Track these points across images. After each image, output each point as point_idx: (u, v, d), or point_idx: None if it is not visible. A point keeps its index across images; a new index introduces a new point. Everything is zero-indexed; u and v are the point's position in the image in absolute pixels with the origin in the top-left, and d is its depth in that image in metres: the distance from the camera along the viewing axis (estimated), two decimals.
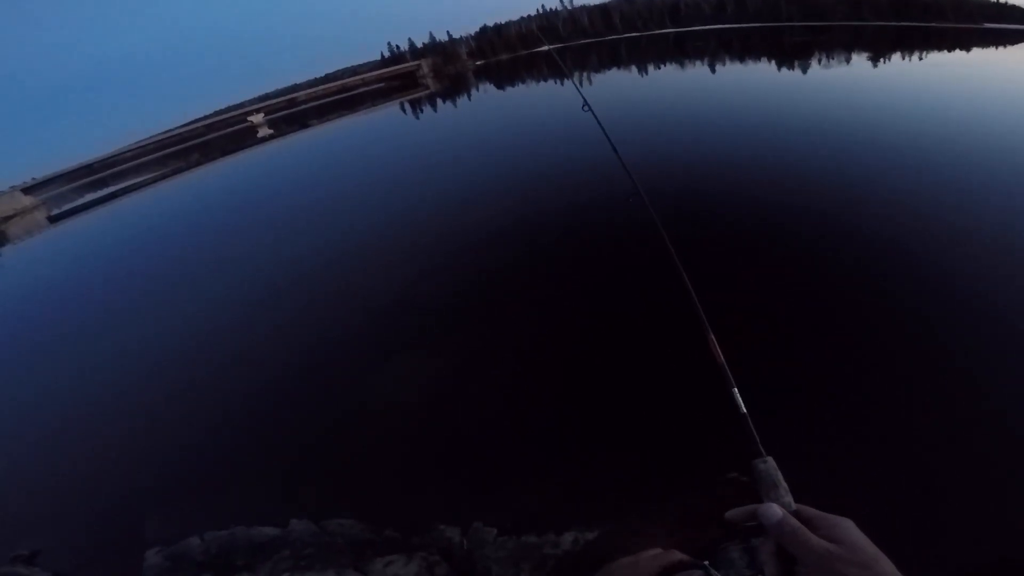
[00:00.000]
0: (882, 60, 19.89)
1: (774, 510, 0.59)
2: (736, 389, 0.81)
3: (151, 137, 70.76)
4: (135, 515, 4.10)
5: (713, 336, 0.95)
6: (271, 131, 52.89)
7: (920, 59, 19.37)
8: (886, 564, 0.51)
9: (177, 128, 77.29)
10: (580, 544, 3.17)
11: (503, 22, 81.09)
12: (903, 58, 19.94)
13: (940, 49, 21.01)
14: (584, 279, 6.41)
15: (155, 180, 37.11)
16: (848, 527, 0.55)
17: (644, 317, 5.23)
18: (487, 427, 4.37)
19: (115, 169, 63.09)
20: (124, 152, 66.89)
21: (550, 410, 4.41)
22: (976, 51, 20.18)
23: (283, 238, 11.39)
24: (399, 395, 4.94)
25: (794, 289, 5.42)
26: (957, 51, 20.49)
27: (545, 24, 76.23)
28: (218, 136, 66.31)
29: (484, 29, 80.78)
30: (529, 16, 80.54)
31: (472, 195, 10.89)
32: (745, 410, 0.77)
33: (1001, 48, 20.01)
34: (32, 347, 9.06)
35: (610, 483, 3.58)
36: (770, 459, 0.68)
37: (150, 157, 66.12)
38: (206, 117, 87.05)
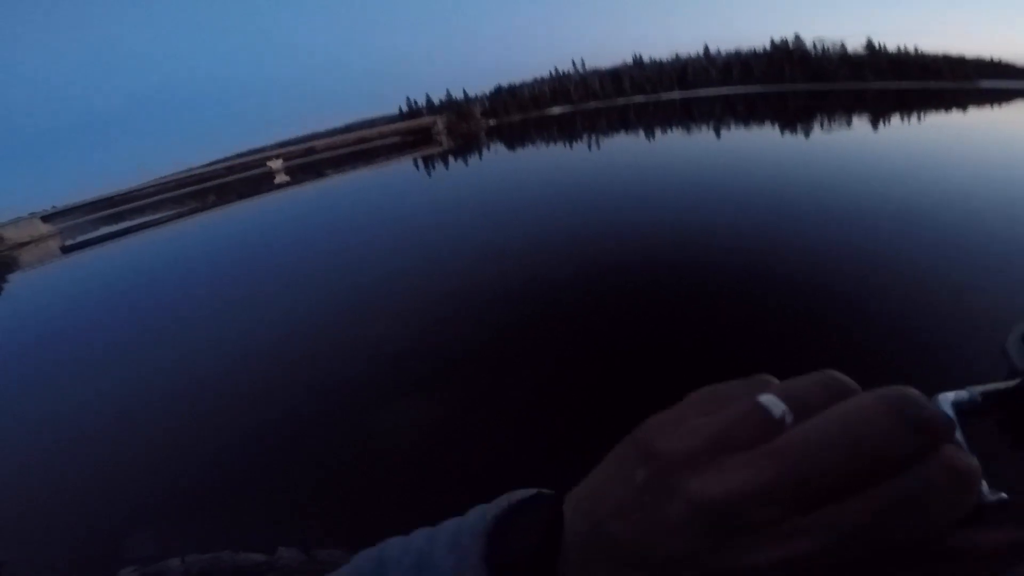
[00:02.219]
0: (882, 123, 20.61)
1: None
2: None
3: (172, 175, 73.01)
4: (114, 533, 3.90)
5: None
6: (288, 178, 54.39)
7: (919, 120, 20.02)
8: None
9: (198, 168, 79.97)
10: None
11: (517, 83, 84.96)
12: (903, 120, 20.61)
13: (938, 109, 21.76)
14: (585, 340, 6.32)
15: (170, 219, 37.95)
16: None
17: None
18: (483, 466, 4.21)
19: (134, 204, 64.77)
20: (145, 187, 69.01)
21: (546, 451, 4.26)
22: (972, 111, 20.78)
23: (292, 284, 11.40)
24: (397, 432, 4.82)
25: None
26: (954, 111, 21.19)
27: (557, 87, 79.92)
28: (236, 179, 68.32)
29: (499, 90, 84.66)
30: (542, 78, 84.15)
31: (480, 253, 10.90)
32: None
33: (996, 107, 20.59)
34: (32, 370, 8.98)
35: None
36: None
37: (169, 195, 68.05)
38: (227, 159, 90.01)
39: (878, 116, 21.87)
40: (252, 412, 5.89)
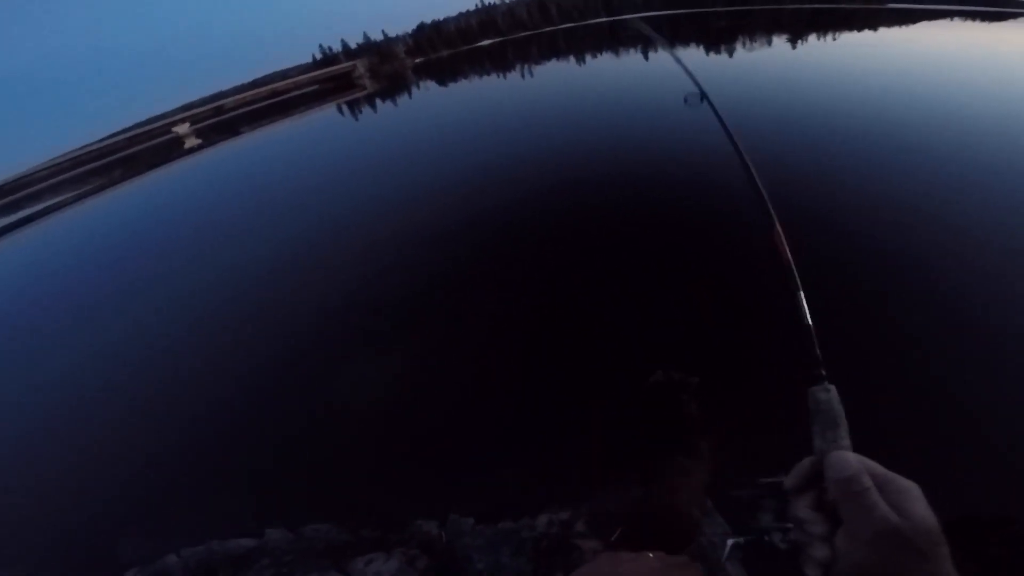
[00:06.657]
0: (799, 42, 21.19)
1: (849, 460, 0.48)
2: (802, 292, 0.63)
3: (66, 154, 65.44)
4: (109, 537, 3.99)
5: (780, 228, 0.79)
6: (199, 141, 50.23)
7: (833, 40, 20.75)
8: (946, 558, 0.41)
9: (95, 143, 71.87)
10: (555, 525, 3.27)
11: (441, 18, 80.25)
12: (818, 39, 21.30)
13: (850, 29, 22.59)
14: (534, 273, 6.58)
15: (76, 199, 34.52)
16: (916, 497, 0.43)
17: (599, 308, 5.47)
18: (454, 419, 4.46)
19: (29, 190, 58.02)
20: (36, 171, 61.74)
21: (514, 396, 4.55)
22: (882, 31, 21.76)
23: (225, 248, 10.95)
24: (362, 395, 4.96)
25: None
26: (866, 31, 22.06)
27: (484, 18, 76.00)
28: (142, 149, 62.27)
29: (422, 26, 79.66)
30: (468, 11, 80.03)
31: (419, 192, 10.83)
32: (810, 321, 0.59)
33: (903, 27, 21.66)
34: None
35: (579, 464, 3.70)
36: (833, 388, 0.54)
37: (67, 175, 61.20)
38: (126, 130, 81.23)
39: (795, 36, 22.47)
40: (207, 389, 5.91)
